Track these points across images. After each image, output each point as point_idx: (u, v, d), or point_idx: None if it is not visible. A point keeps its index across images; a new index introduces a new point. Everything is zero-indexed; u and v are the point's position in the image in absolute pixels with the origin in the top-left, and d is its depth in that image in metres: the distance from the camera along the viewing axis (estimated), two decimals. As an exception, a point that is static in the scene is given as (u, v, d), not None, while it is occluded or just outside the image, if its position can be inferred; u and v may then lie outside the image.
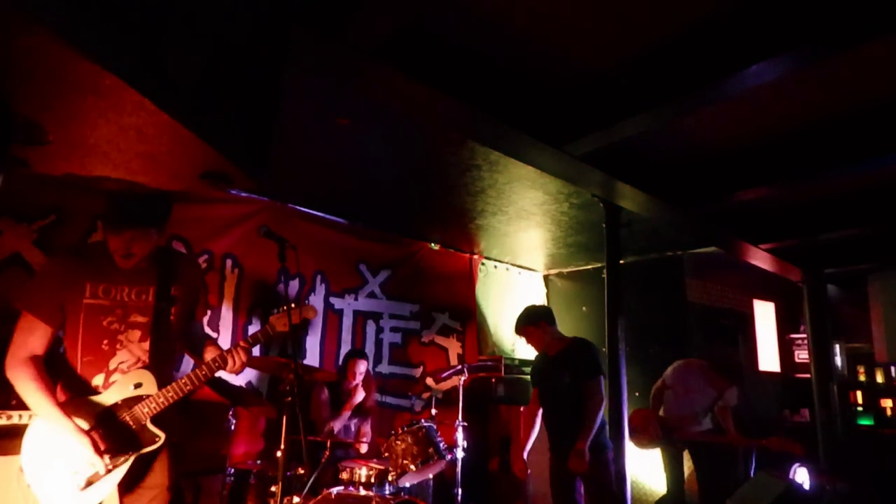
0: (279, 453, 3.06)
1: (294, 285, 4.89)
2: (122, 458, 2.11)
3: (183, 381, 2.21)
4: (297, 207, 4.97)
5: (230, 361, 2.30)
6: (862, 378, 7.92)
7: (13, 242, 3.56)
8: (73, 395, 2.14)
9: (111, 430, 2.11)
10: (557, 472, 3.63)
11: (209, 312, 4.31)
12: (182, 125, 0.97)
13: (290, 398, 2.58)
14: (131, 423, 2.15)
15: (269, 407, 4.04)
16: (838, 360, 7.49)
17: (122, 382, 2.17)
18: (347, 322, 5.26)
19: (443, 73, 2.88)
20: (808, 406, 6.63)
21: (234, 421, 3.82)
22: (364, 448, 4.33)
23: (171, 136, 1.02)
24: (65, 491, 2.03)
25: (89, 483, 2.06)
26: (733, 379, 4.59)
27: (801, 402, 6.98)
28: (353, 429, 4.46)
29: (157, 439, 2.16)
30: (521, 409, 5.39)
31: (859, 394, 7.54)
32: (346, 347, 5.17)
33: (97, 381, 2.17)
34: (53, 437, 2.06)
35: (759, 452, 5.48)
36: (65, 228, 3.74)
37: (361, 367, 4.50)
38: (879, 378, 7.90)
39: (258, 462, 4.10)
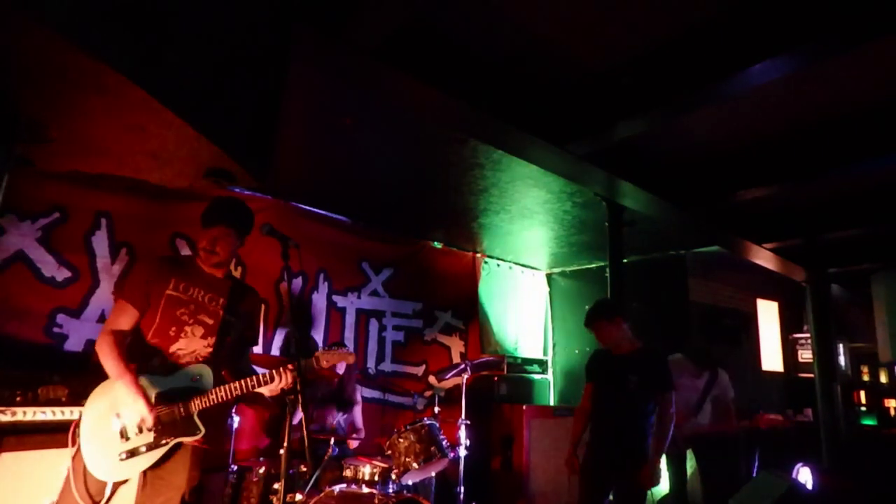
0: (282, 451, 3.06)
1: (297, 283, 4.90)
2: (164, 440, 2.31)
3: (234, 385, 2.42)
4: (300, 206, 4.97)
5: (277, 379, 2.48)
6: (865, 378, 7.91)
7: (17, 240, 3.57)
8: (137, 369, 2.37)
9: (163, 412, 2.32)
10: (595, 470, 3.50)
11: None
12: (186, 123, 0.97)
13: (292, 396, 2.58)
14: (182, 410, 2.35)
15: (272, 404, 4.06)
16: (842, 360, 7.46)
17: (185, 372, 2.41)
18: (350, 320, 5.27)
19: (445, 72, 2.89)
20: (811, 406, 6.61)
21: (236, 418, 3.83)
22: (354, 443, 4.30)
23: (176, 134, 1.02)
24: (107, 457, 2.24)
25: (130, 455, 2.26)
26: (712, 365, 4.61)
27: (804, 402, 6.96)
28: (343, 424, 4.45)
29: (198, 432, 2.36)
30: (524, 407, 5.40)
31: (863, 394, 7.53)
32: (349, 345, 5.18)
33: (155, 360, 2.41)
34: (110, 408, 2.29)
35: (761, 449, 5.48)
36: (68, 226, 3.75)
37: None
38: (883, 378, 7.89)
39: (260, 459, 4.11)
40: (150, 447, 2.29)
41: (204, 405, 2.37)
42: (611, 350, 3.62)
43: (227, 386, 2.41)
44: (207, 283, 2.57)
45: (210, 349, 2.51)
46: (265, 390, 2.51)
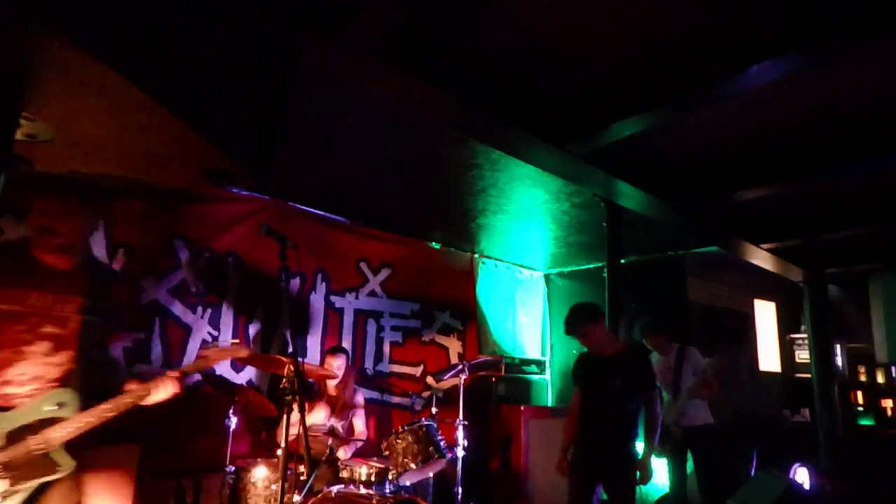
0: (279, 451, 3.06)
1: (295, 284, 4.89)
2: (22, 485, 1.90)
3: (106, 406, 2.02)
4: (299, 206, 4.97)
5: (154, 392, 2.12)
6: (863, 378, 7.91)
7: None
8: None
9: (16, 453, 1.89)
10: (582, 471, 3.52)
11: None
12: (186, 123, 0.97)
13: (290, 396, 2.58)
14: (40, 446, 1.92)
15: (270, 405, 4.05)
16: (839, 361, 7.48)
17: (41, 402, 1.96)
18: (348, 320, 5.27)
19: (444, 72, 2.88)
20: (808, 406, 6.63)
21: (234, 419, 3.82)
22: (348, 450, 4.20)
23: (175, 135, 1.02)
24: None
25: None
26: (669, 333, 4.73)
27: (801, 402, 6.98)
28: (341, 430, 4.39)
29: (58, 469, 1.96)
30: (522, 408, 5.41)
31: (860, 394, 7.55)
32: (346, 346, 5.18)
33: None
34: None
35: (759, 450, 5.49)
36: (66, 226, 3.74)
37: (338, 361, 4.38)
38: (880, 378, 7.90)
39: (258, 460, 4.10)
40: (5, 495, 1.86)
41: (69, 436, 1.94)
42: (594, 352, 3.64)
43: (95, 409, 1.98)
44: (52, 281, 2.02)
45: (65, 367, 2.02)
46: (149, 401, 2.15)
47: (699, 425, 4.52)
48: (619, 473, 3.39)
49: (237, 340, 2.51)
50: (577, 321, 3.60)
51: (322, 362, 4.49)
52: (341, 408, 4.43)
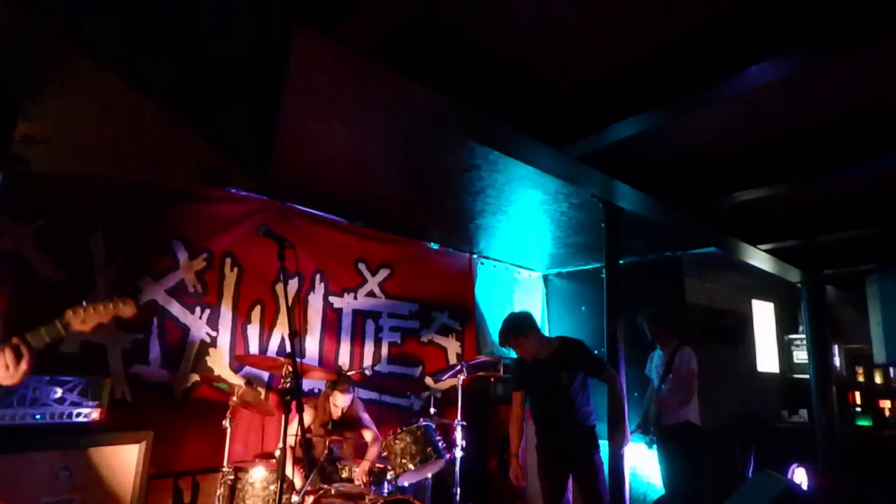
0: (278, 451, 3.06)
1: (293, 284, 4.89)
2: None
3: None
4: (297, 206, 4.97)
5: None
6: (860, 379, 7.93)
7: (13, 241, 3.55)
8: None
9: None
10: (549, 470, 3.63)
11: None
12: (183, 124, 0.97)
13: (289, 397, 2.58)
14: None
15: (268, 405, 4.05)
16: (837, 361, 7.49)
17: None
18: (346, 321, 5.27)
19: (443, 73, 2.88)
20: (806, 407, 6.64)
21: (232, 419, 3.82)
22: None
23: (172, 135, 1.02)
24: None
25: None
26: (671, 328, 4.74)
27: (799, 403, 6.99)
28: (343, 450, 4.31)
29: None
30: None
31: (858, 395, 7.56)
32: (345, 346, 5.18)
33: None
34: None
35: (757, 450, 5.49)
36: (64, 227, 3.74)
37: (342, 400, 4.05)
38: (878, 379, 7.91)
39: (256, 460, 4.10)
40: None
41: None
42: (536, 356, 3.70)
43: None
44: None
45: None
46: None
47: (668, 424, 4.53)
48: (585, 461, 3.52)
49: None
50: (508, 335, 3.69)
51: (330, 393, 4.14)
52: (341, 423, 4.28)
